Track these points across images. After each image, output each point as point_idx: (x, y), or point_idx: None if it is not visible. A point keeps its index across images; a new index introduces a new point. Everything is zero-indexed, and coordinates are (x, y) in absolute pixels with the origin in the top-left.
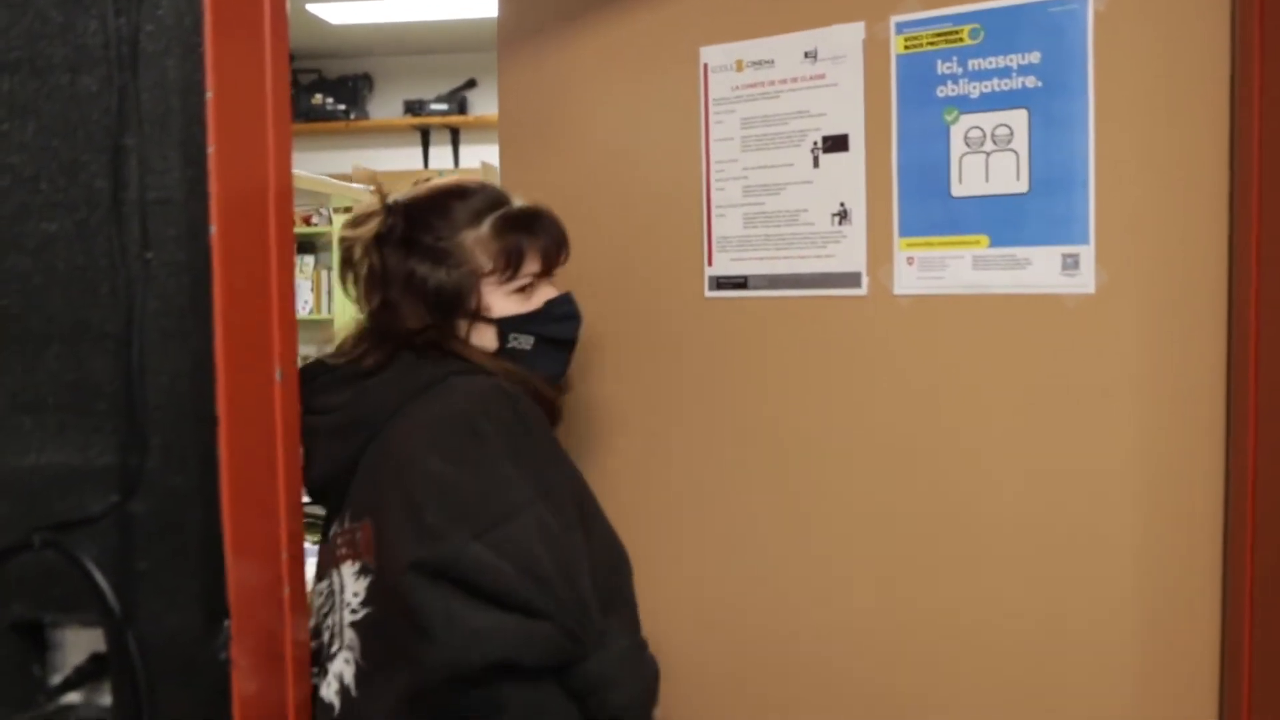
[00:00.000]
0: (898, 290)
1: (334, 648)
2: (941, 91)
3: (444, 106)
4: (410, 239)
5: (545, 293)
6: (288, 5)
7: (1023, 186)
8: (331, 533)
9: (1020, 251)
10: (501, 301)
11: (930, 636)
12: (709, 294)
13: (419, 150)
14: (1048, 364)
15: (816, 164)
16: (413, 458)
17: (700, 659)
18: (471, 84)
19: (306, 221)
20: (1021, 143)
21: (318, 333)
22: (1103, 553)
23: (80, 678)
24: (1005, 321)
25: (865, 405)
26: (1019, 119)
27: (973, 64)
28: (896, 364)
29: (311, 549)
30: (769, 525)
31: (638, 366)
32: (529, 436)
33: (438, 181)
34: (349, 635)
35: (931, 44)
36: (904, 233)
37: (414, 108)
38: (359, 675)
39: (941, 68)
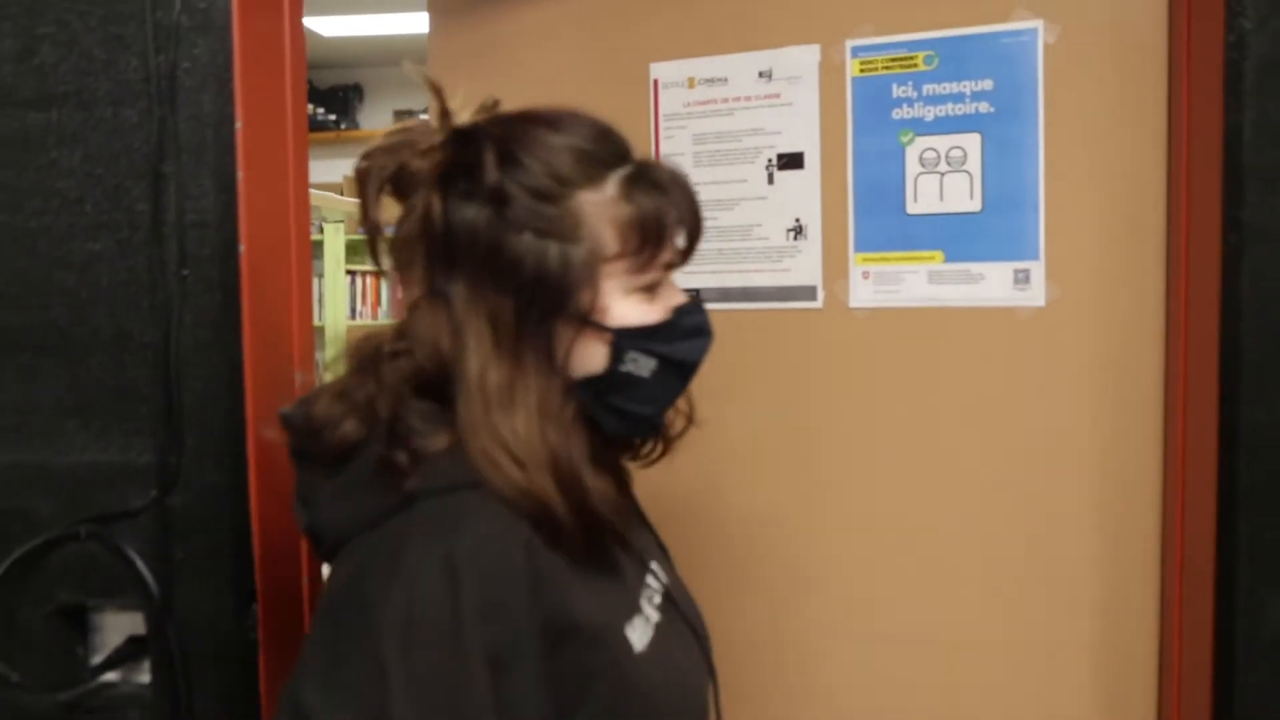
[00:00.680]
0: (854, 303)
1: None
2: (897, 114)
3: None
4: (502, 192)
5: (671, 295)
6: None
7: (976, 205)
8: None
9: (974, 267)
10: (621, 303)
11: (886, 646)
12: None
13: None
14: (1000, 374)
15: (771, 180)
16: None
17: None
18: None
19: None
20: (975, 164)
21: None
22: (1054, 554)
23: (119, 658)
24: (959, 333)
25: (819, 415)
26: (973, 142)
27: (927, 89)
28: (852, 375)
29: None
30: (724, 538)
31: None
32: (477, 647)
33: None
34: None
35: (887, 68)
36: (860, 248)
37: (403, 118)
38: None
39: (897, 91)
